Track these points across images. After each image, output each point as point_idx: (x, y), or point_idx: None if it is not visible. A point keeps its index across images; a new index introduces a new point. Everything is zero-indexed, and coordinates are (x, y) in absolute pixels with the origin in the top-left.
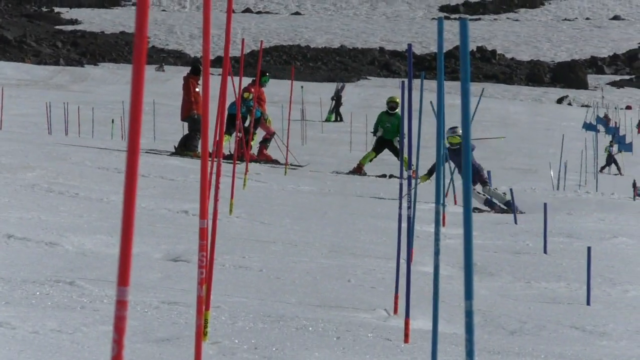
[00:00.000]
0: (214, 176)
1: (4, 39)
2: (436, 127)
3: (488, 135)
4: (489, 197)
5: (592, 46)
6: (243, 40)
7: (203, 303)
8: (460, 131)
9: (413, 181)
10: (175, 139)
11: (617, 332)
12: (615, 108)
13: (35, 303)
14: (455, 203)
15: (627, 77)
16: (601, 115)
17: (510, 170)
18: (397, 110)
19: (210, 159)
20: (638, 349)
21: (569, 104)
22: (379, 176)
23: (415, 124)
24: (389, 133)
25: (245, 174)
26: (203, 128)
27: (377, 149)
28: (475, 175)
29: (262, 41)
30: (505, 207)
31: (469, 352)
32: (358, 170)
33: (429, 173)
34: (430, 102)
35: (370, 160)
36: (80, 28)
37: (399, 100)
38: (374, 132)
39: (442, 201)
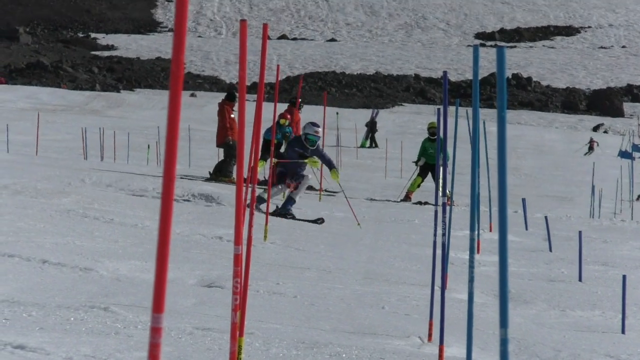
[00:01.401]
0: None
1: (40, 64)
2: (471, 154)
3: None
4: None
5: (628, 74)
6: (278, 66)
7: (237, 329)
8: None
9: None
10: (210, 165)
11: None
12: None
13: (70, 329)
14: (491, 230)
15: None
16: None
17: (545, 198)
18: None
19: (245, 185)
20: None
21: (605, 131)
22: (414, 203)
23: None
24: (433, 158)
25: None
26: (238, 154)
27: (422, 174)
28: (297, 179)
29: (302, 76)
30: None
31: None
32: (408, 198)
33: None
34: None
35: (418, 186)
36: (116, 54)
37: None
38: (416, 162)
39: (476, 228)
